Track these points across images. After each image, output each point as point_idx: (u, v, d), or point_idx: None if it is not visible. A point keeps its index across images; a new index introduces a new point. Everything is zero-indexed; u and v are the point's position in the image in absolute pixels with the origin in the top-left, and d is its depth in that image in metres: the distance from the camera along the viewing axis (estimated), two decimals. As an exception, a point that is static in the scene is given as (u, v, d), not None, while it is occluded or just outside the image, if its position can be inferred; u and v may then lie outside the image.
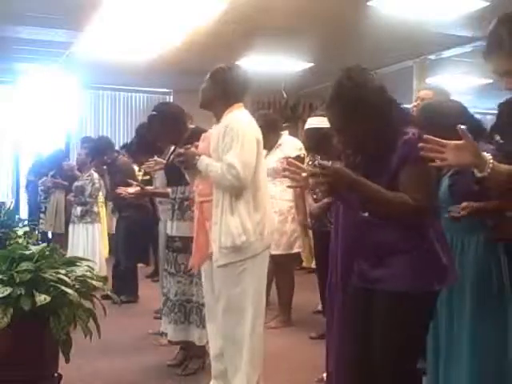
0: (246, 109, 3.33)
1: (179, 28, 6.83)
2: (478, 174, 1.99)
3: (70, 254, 6.05)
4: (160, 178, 4.74)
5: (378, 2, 5.95)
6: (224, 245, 3.13)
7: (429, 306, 2.32)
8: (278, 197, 5.01)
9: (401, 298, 2.22)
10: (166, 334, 4.11)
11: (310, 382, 3.80)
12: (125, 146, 7.61)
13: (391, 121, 2.28)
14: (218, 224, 3.15)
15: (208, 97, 3.33)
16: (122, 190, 4.82)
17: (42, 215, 8.20)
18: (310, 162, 4.14)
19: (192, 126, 4.21)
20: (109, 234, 7.83)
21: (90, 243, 6.73)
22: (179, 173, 3.63)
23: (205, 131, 3.60)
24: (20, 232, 4.11)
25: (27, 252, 2.98)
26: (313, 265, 6.24)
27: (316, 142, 4.16)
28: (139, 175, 6.47)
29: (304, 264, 7.16)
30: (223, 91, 3.26)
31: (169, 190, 4.18)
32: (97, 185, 6.76)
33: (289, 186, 2.95)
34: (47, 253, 3.04)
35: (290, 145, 5.23)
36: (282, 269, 5.18)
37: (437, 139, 1.99)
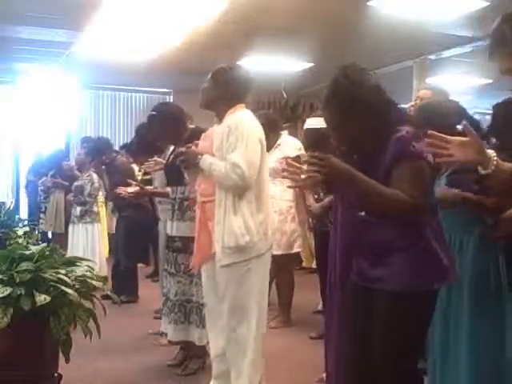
0: (247, 109, 3.32)
1: (179, 28, 6.83)
2: (482, 172, 1.98)
3: (69, 254, 6.05)
4: (159, 178, 4.74)
5: (377, 2, 5.95)
6: (227, 245, 3.11)
7: (428, 306, 2.31)
8: (278, 197, 5.01)
9: (400, 298, 2.22)
10: (165, 334, 4.11)
11: (310, 382, 3.80)
12: (125, 146, 7.61)
13: (387, 120, 2.28)
14: (221, 224, 3.13)
15: (210, 97, 3.31)
16: (121, 190, 4.82)
17: (41, 215, 8.20)
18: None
19: (192, 126, 4.21)
20: (109, 233, 7.83)
21: (90, 243, 6.73)
22: (179, 173, 3.63)
23: (205, 131, 3.60)
24: (20, 232, 4.11)
25: (27, 252, 2.98)
26: (313, 265, 6.24)
27: (315, 142, 4.17)
28: (139, 175, 6.47)
29: (304, 264, 7.16)
30: (225, 91, 3.24)
31: (168, 189, 4.18)
32: (96, 184, 6.76)
33: (289, 187, 2.95)
34: (47, 253, 3.04)
35: (290, 145, 5.23)
36: (282, 269, 5.18)
37: (441, 135, 1.98)
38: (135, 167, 6.70)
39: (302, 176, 2.36)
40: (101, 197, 7.22)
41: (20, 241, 3.87)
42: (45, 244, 3.43)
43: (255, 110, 3.46)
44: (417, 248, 2.24)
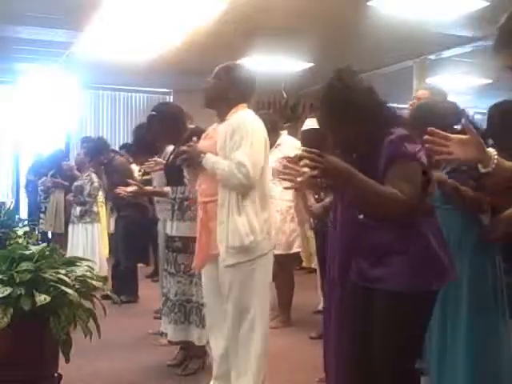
0: (249, 109, 3.30)
1: (179, 28, 6.83)
2: (483, 170, 1.98)
3: (69, 253, 6.05)
4: (157, 178, 4.74)
5: (377, 2, 5.95)
6: (231, 245, 3.09)
7: (428, 306, 2.32)
8: (278, 197, 5.00)
9: (400, 298, 2.22)
10: (165, 334, 4.11)
11: (310, 382, 3.80)
12: (125, 146, 7.61)
13: (381, 122, 2.29)
14: (225, 224, 3.11)
15: (214, 95, 3.27)
16: (120, 190, 4.82)
17: (41, 215, 8.20)
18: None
19: (192, 126, 4.21)
20: (109, 233, 7.82)
21: (90, 243, 6.73)
22: (179, 173, 3.61)
23: (205, 131, 3.58)
24: (20, 232, 4.11)
25: (27, 252, 2.98)
26: (313, 265, 6.24)
27: (313, 142, 4.16)
28: (139, 175, 6.47)
29: (304, 264, 7.16)
30: (230, 90, 3.21)
31: (166, 189, 4.18)
32: (96, 184, 6.76)
33: (285, 188, 2.93)
34: (47, 253, 3.03)
35: (289, 144, 5.23)
36: (282, 269, 5.18)
37: (441, 132, 1.98)
38: (135, 167, 6.70)
39: (299, 179, 2.37)
40: (100, 197, 7.21)
41: (20, 241, 3.87)
42: (45, 244, 3.43)
43: (255, 110, 3.45)
44: (416, 249, 2.25)
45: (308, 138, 4.28)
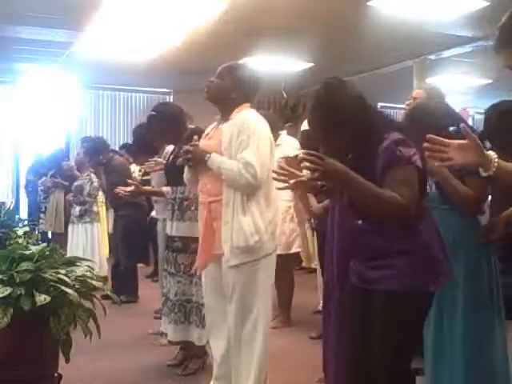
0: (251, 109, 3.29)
1: (179, 28, 6.83)
2: (484, 174, 1.98)
3: (69, 253, 6.05)
4: (156, 178, 4.74)
5: (377, 2, 5.96)
6: (236, 245, 3.07)
7: (425, 306, 2.33)
8: (277, 197, 5.00)
9: (398, 298, 2.23)
10: (165, 334, 4.11)
11: (310, 382, 3.80)
12: (125, 146, 7.61)
13: (373, 129, 2.29)
14: (230, 224, 3.08)
15: (217, 95, 3.24)
16: (119, 190, 4.81)
17: (41, 215, 8.20)
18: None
19: (192, 126, 4.21)
20: (109, 233, 7.82)
21: (90, 243, 6.73)
22: (179, 173, 3.60)
23: (204, 131, 3.57)
24: (20, 232, 4.11)
25: (27, 252, 2.98)
26: (313, 265, 6.24)
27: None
28: (139, 175, 6.48)
29: (304, 264, 7.16)
30: (233, 90, 3.20)
31: (164, 189, 4.18)
32: (95, 184, 6.76)
33: (278, 188, 2.92)
34: (47, 253, 3.03)
35: (289, 144, 5.23)
36: (282, 269, 5.17)
37: (440, 139, 1.98)
38: (135, 167, 6.70)
39: (291, 180, 2.38)
40: (100, 196, 7.22)
41: (20, 241, 3.87)
42: (45, 244, 3.43)
43: (255, 110, 3.44)
44: (416, 249, 2.25)
45: (307, 139, 4.28)
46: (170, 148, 4.42)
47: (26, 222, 4.82)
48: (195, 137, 3.34)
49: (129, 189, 4.60)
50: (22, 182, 9.76)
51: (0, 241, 3.91)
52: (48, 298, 2.73)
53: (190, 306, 3.92)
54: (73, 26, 6.84)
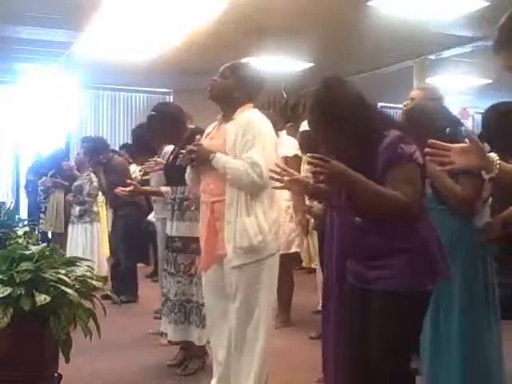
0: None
1: (179, 28, 6.84)
2: (486, 176, 1.99)
3: (68, 253, 6.06)
4: (156, 178, 4.74)
5: (377, 2, 5.96)
6: (239, 245, 3.06)
7: (423, 305, 2.34)
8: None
9: (395, 297, 2.23)
10: (165, 334, 4.10)
11: (310, 382, 3.80)
12: (125, 146, 7.61)
13: (373, 128, 2.29)
14: (233, 224, 3.07)
15: (219, 94, 3.22)
16: (119, 190, 4.81)
17: (41, 215, 8.20)
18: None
19: (192, 126, 4.21)
20: (109, 233, 7.82)
21: (89, 243, 6.73)
22: (179, 173, 3.59)
23: (204, 131, 3.56)
24: (20, 232, 4.11)
25: (27, 252, 2.98)
26: (313, 265, 6.24)
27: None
28: (139, 175, 6.48)
29: (304, 264, 7.16)
30: (236, 89, 3.18)
31: (163, 189, 4.18)
32: (95, 184, 6.76)
33: (274, 187, 2.91)
34: (47, 253, 3.03)
35: (289, 144, 5.23)
36: (281, 268, 5.16)
37: (442, 143, 1.99)
38: (135, 167, 6.70)
39: (286, 178, 2.39)
40: (100, 196, 7.22)
41: (20, 241, 3.88)
42: (45, 244, 3.43)
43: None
44: (412, 250, 2.26)
45: (307, 138, 4.28)
46: (168, 148, 4.42)
47: (25, 222, 4.83)
48: (197, 136, 3.32)
49: (128, 189, 4.61)
50: (22, 182, 9.76)
51: (0, 241, 3.92)
52: (48, 298, 2.73)
53: (190, 305, 3.92)
54: (73, 26, 6.84)
